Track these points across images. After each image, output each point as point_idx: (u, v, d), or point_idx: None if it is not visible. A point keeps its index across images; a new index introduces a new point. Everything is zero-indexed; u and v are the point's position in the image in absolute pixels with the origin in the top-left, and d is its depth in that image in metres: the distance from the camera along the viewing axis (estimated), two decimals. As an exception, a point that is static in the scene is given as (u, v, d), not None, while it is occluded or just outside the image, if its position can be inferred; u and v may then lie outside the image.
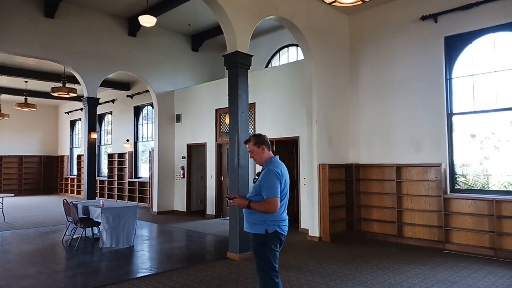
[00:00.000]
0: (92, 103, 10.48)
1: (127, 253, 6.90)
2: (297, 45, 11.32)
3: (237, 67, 6.29)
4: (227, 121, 8.88)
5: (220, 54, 13.71)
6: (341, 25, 8.71)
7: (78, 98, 13.71)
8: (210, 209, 10.92)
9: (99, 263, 6.23)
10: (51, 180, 20.01)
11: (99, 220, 7.01)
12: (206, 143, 11.11)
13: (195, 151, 11.87)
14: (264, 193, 3.25)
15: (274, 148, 9.07)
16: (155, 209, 11.80)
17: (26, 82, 14.34)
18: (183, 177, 11.78)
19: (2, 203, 10.34)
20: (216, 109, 10.84)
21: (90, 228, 7.56)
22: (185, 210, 11.67)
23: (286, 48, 11.86)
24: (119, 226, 7.10)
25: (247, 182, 6.31)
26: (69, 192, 18.77)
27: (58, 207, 11.89)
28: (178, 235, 8.83)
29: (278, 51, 12.05)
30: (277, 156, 3.48)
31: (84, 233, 7.54)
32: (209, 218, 10.75)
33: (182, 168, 11.83)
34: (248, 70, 6.58)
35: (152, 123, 14.36)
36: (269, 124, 9.30)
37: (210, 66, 13.06)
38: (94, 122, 10.63)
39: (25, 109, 14.77)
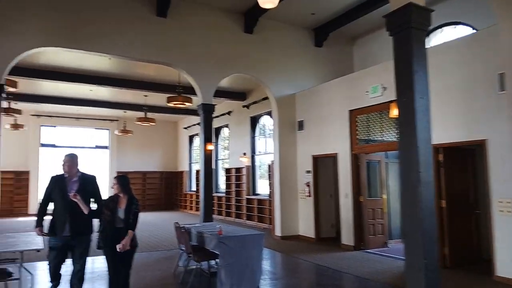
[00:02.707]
0: (208, 109, 9.29)
1: (251, 299, 5.14)
2: (456, 24, 8.58)
3: (410, 28, 4.07)
4: (392, 114, 6.63)
5: (348, 47, 11.69)
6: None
7: (195, 112, 12.96)
8: (347, 237, 8.66)
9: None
10: (171, 196, 20.05)
11: (216, 252, 5.40)
12: (337, 154, 9.00)
13: (323, 164, 9.83)
14: None
15: (440, 158, 6.51)
16: (277, 232, 10.03)
17: (145, 96, 14.22)
18: (309, 195, 9.81)
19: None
20: (349, 111, 8.69)
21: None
22: (313, 236, 9.64)
23: (439, 30, 9.14)
24: (241, 261, 5.39)
25: (433, 208, 4.00)
26: (188, 208, 18.41)
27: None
28: (310, 273, 6.85)
29: (427, 34, 9.40)
30: None
31: (200, 264, 6.05)
32: (345, 249, 8.51)
33: (307, 184, 9.88)
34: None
35: (268, 135, 12.84)
36: (435, 123, 6.73)
37: (337, 63, 11.01)
38: (210, 131, 9.41)
39: (145, 124, 14.65)
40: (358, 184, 8.51)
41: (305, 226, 9.93)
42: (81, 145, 18.44)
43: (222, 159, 16.73)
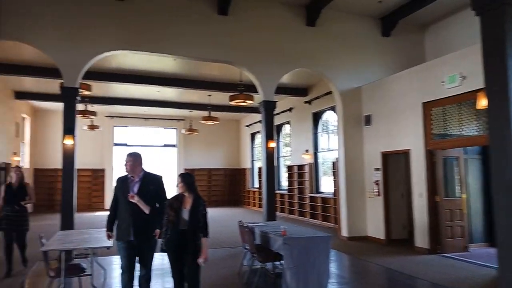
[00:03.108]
0: (269, 107, 9.13)
1: (318, 304, 4.90)
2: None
3: (503, 4, 3.53)
4: (480, 105, 5.98)
5: (419, 35, 10.65)
6: None
7: (257, 110, 12.90)
8: (421, 239, 8.03)
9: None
10: (235, 192, 20.32)
11: (281, 253, 5.22)
12: (409, 150, 8.36)
13: (393, 161, 9.23)
14: None
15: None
16: (344, 233, 9.61)
17: (209, 96, 14.46)
18: (378, 195, 9.26)
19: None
20: (423, 103, 8.02)
21: (270, 260, 5.86)
22: (382, 238, 9.08)
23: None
24: (308, 264, 5.15)
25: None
26: (251, 204, 18.52)
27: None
28: (381, 277, 6.41)
29: None
30: None
31: (264, 264, 5.93)
32: (419, 252, 7.89)
33: (376, 183, 9.32)
34: None
35: (331, 131, 12.39)
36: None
37: (406, 53, 10.28)
38: (271, 128, 9.25)
39: (209, 122, 14.93)
40: (434, 182, 7.83)
41: (374, 227, 9.40)
42: (151, 143, 19.35)
43: (284, 156, 16.55)
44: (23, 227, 6.13)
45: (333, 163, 10.90)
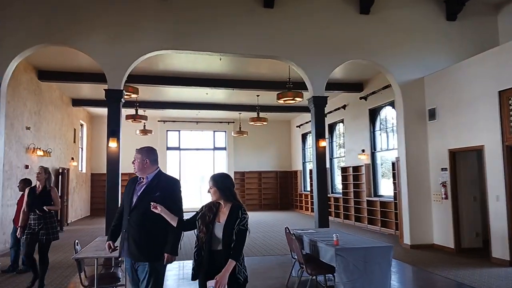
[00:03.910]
0: (319, 102, 8.47)
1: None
2: None
3: None
4: None
5: (491, 17, 9.12)
6: None
7: (307, 109, 12.23)
8: (499, 249, 6.89)
9: None
10: (286, 195, 19.70)
11: (333, 265, 4.56)
12: (483, 146, 7.27)
13: (463, 160, 8.13)
14: None
15: None
16: (406, 240, 8.64)
17: (257, 96, 14.04)
18: (446, 198, 8.20)
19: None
20: (499, 92, 6.92)
21: (322, 272, 5.21)
22: (451, 246, 8.01)
23: None
24: (364, 278, 4.45)
25: None
26: (303, 208, 17.78)
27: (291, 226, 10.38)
28: (456, 294, 5.48)
29: None
30: None
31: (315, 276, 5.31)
32: (498, 264, 6.77)
33: (443, 184, 8.27)
34: None
35: (390, 129, 11.37)
36: None
37: (476, 37, 9.10)
38: (322, 126, 8.57)
39: (258, 123, 14.48)
40: (515, 183, 6.69)
41: (441, 234, 8.34)
42: (202, 147, 19.38)
43: (338, 157, 15.65)
44: (44, 236, 5.22)
45: (393, 163, 9.94)
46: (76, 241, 4.55)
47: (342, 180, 14.11)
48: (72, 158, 14.45)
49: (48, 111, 11.71)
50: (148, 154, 3.29)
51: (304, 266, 4.88)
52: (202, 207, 3.05)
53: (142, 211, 3.14)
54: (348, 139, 14.07)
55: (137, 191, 3.25)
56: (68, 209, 13.61)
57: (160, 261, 3.11)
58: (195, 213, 3.07)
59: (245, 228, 2.83)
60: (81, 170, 16.05)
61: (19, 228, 5.39)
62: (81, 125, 16.49)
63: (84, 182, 16.49)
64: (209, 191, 2.99)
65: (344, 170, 14.05)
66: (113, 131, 7.44)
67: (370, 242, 5.22)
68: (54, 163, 12.16)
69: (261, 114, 14.67)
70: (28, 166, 9.72)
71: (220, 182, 2.97)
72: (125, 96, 8.33)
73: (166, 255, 3.12)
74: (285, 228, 5.53)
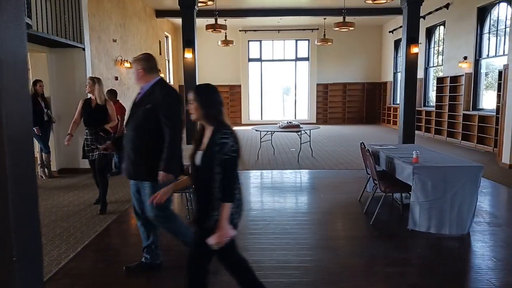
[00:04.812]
0: (414, 0, 7.26)
1: (452, 247, 3.89)
2: None
3: None
4: None
5: None
6: None
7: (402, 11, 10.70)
8: None
9: (408, 260, 3.55)
10: (373, 109, 18.64)
11: (410, 184, 4.19)
12: None
13: None
14: None
15: None
16: (505, 159, 7.68)
17: (343, -3, 12.61)
18: None
19: (310, 135, 9.30)
20: None
21: (398, 190, 4.88)
22: None
23: None
24: (444, 199, 4.03)
25: None
26: (391, 123, 16.79)
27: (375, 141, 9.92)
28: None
29: None
30: None
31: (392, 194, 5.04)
32: None
33: None
34: None
35: (502, 31, 9.49)
36: None
37: None
38: (416, 29, 7.46)
39: (344, 29, 13.21)
40: None
41: (552, 155, 7.20)
42: (283, 58, 18.76)
43: (435, 66, 13.95)
44: (102, 155, 4.82)
45: (500, 72, 8.49)
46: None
47: (437, 92, 12.71)
48: (159, 70, 15.08)
49: (132, 23, 12.02)
50: (142, 63, 3.05)
51: (377, 183, 4.58)
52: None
53: (133, 125, 3.01)
54: (449, 45, 12.28)
55: (136, 102, 3.10)
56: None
57: (156, 180, 2.91)
58: None
59: (229, 156, 2.16)
60: (169, 82, 16.82)
61: (68, 136, 5.08)
62: (166, 37, 16.84)
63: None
64: (188, 108, 2.33)
65: (440, 80, 12.56)
66: (188, 41, 7.36)
67: (456, 160, 4.65)
68: (142, 75, 12.79)
69: (348, 19, 13.32)
70: (117, 77, 10.35)
71: (205, 96, 2.28)
72: (200, 3, 8.02)
73: (160, 173, 2.89)
74: (361, 143, 5.16)
